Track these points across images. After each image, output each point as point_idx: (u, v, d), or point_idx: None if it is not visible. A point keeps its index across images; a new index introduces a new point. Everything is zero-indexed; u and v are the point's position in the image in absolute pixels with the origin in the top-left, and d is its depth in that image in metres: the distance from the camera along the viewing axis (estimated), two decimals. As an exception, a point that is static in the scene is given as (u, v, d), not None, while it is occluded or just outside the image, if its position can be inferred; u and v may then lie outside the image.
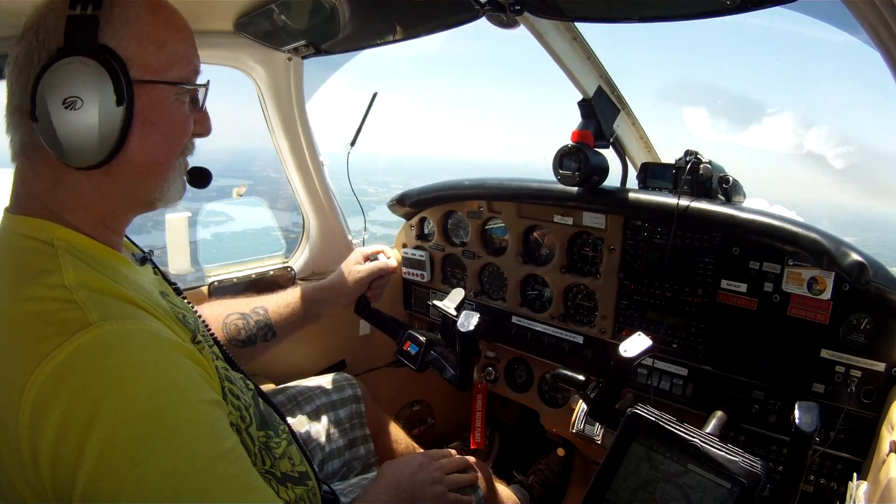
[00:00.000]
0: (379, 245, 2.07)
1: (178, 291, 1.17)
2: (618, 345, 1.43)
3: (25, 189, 0.93)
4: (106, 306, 0.81)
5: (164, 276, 1.16)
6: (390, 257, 1.97)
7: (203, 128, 1.04)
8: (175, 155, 0.98)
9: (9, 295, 0.82)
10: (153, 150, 0.93)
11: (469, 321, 1.69)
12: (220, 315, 1.64)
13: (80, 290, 0.81)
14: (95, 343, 0.77)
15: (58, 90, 0.83)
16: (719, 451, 1.20)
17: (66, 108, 0.83)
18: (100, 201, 0.93)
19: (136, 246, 1.15)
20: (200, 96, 1.02)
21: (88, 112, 0.84)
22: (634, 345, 1.40)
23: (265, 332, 1.70)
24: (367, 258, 1.93)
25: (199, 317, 1.18)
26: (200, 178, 1.11)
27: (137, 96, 0.88)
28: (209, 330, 1.21)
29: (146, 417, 0.76)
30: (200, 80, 1.01)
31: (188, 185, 1.07)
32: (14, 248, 0.88)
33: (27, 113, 0.86)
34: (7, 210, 0.93)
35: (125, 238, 1.16)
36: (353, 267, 1.90)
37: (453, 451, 1.58)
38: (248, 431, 1.04)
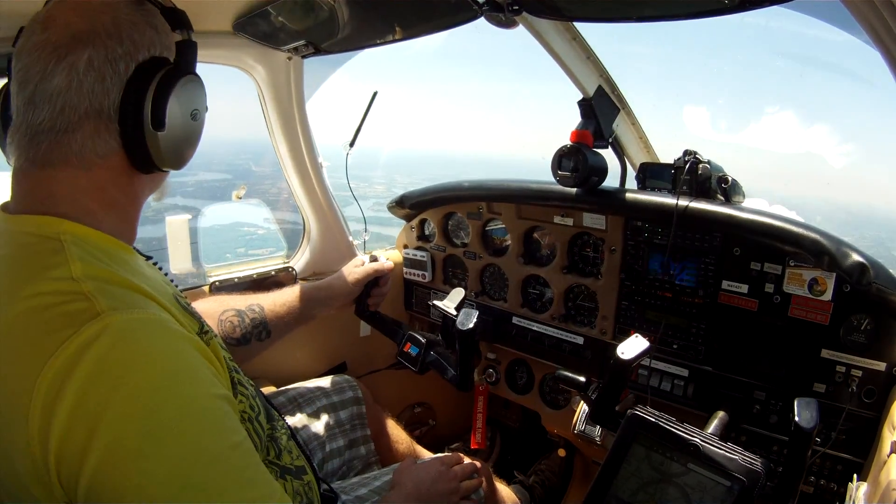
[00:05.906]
0: (376, 251, 2.07)
1: None
2: (618, 346, 1.42)
3: (48, 191, 0.89)
4: (114, 296, 0.80)
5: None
6: (388, 259, 1.98)
7: None
8: None
9: (15, 293, 0.80)
10: None
11: (468, 319, 1.68)
12: (215, 311, 1.64)
13: (87, 280, 0.80)
14: (104, 334, 0.76)
15: (188, 103, 0.94)
16: (719, 450, 1.20)
17: (192, 119, 0.96)
18: (138, 198, 0.99)
19: (139, 252, 1.15)
20: None
21: (201, 122, 0.99)
22: (632, 346, 1.40)
23: (259, 331, 1.70)
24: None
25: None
26: None
27: None
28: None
29: (154, 409, 0.76)
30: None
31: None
32: (19, 246, 0.86)
33: (108, 118, 0.88)
34: (6, 211, 0.91)
35: None
36: (351, 268, 1.92)
37: (461, 456, 1.60)
38: (259, 420, 1.05)
